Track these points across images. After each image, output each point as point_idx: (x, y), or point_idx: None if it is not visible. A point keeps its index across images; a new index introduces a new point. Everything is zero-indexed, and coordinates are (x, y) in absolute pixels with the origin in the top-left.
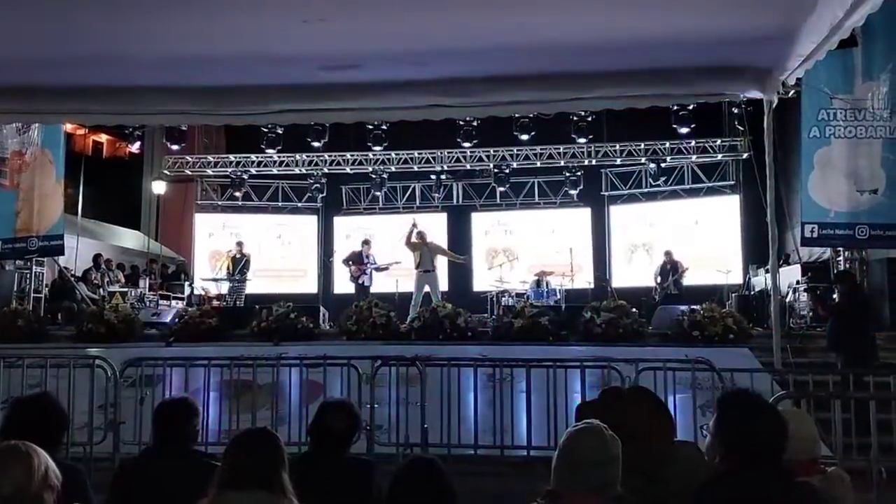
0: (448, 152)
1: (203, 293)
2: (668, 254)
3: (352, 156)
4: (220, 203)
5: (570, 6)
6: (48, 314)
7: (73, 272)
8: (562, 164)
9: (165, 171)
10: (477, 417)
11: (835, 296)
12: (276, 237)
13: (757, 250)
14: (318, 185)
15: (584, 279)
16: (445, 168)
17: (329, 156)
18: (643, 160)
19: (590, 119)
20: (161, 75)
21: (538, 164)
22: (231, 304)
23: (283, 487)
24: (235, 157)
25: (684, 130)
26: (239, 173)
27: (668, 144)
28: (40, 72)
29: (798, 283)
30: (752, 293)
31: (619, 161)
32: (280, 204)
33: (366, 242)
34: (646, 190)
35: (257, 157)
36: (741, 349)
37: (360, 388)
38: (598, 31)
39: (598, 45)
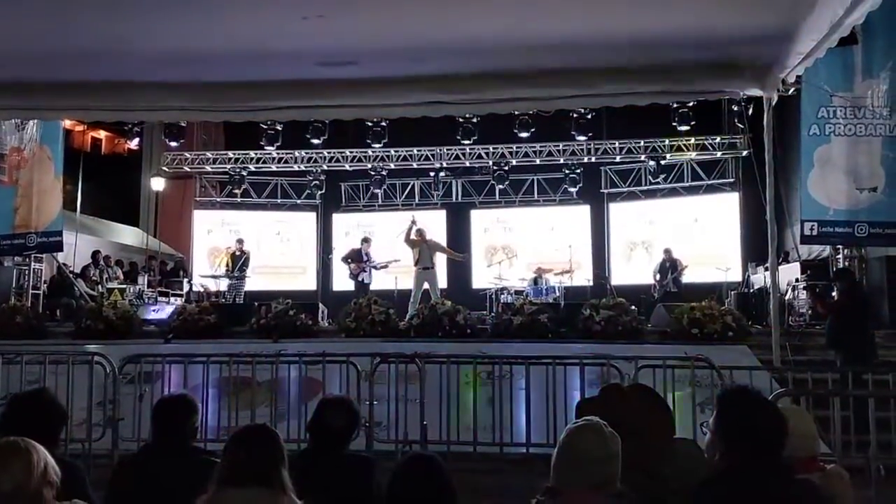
0: (447, 149)
1: (202, 290)
2: (667, 251)
3: (351, 153)
4: (218, 200)
5: (571, 3)
6: (47, 311)
7: (71, 269)
8: (561, 161)
9: (164, 168)
10: (476, 414)
11: (834, 293)
12: (275, 234)
13: (756, 248)
14: (317, 181)
15: (584, 277)
16: (445, 165)
17: (328, 153)
18: (643, 158)
19: (589, 116)
20: (160, 71)
21: (538, 162)
22: (230, 300)
23: (283, 484)
24: (234, 154)
25: (684, 128)
26: (238, 170)
27: (667, 142)
28: (39, 68)
29: (797, 280)
30: (752, 291)
31: (618, 158)
32: (279, 201)
33: (365, 240)
34: (645, 187)
35: (256, 154)
36: (740, 347)
37: (359, 385)
38: (599, 28)
39: (598, 42)
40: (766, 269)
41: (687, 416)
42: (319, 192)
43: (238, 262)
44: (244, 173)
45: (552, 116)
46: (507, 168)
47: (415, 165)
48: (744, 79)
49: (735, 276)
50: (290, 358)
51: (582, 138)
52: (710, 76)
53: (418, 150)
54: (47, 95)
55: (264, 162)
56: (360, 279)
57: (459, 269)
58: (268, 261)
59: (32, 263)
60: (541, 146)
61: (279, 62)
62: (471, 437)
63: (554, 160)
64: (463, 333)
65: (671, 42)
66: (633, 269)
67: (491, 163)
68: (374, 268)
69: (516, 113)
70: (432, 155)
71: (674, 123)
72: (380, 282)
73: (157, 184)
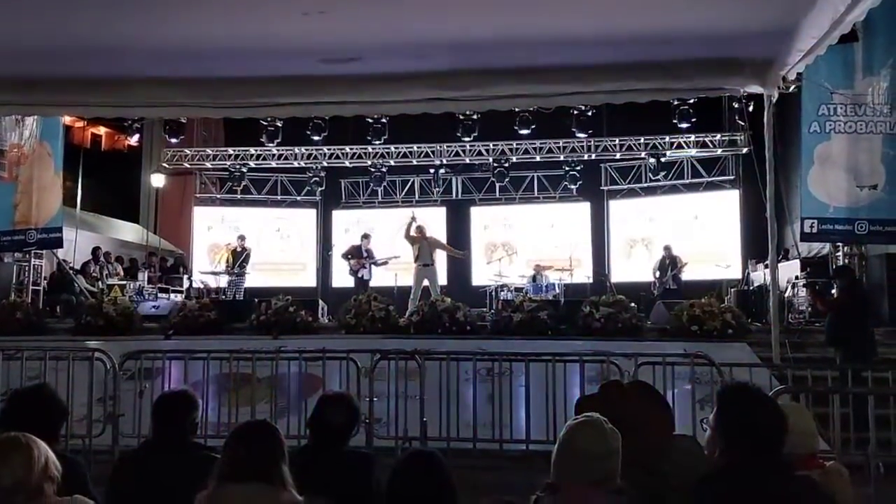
0: (447, 146)
1: (202, 286)
2: (667, 249)
3: (351, 149)
4: (218, 196)
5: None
6: (47, 307)
7: (71, 265)
8: (561, 158)
9: (164, 164)
10: (476, 411)
11: (833, 291)
12: (274, 231)
13: (756, 245)
14: (317, 178)
15: (584, 274)
16: (445, 162)
17: (328, 149)
18: (643, 155)
19: (590, 113)
20: (161, 67)
21: (538, 159)
22: (230, 297)
23: (283, 480)
24: (234, 151)
25: (684, 125)
26: (238, 166)
27: (667, 139)
28: (39, 64)
29: (797, 278)
30: (751, 288)
31: (618, 156)
32: (279, 197)
33: (365, 237)
34: (645, 185)
35: (256, 151)
36: (740, 344)
37: (359, 382)
38: (599, 24)
39: (598, 39)
40: (766, 267)
41: (686, 413)
42: (319, 189)
43: (239, 259)
44: (244, 170)
45: (552, 113)
46: (507, 165)
47: (415, 162)
48: (744, 76)
49: (735, 273)
50: (290, 354)
51: (582, 135)
52: (710, 73)
53: (418, 147)
54: (47, 91)
55: (264, 158)
56: (359, 275)
57: (459, 266)
58: (268, 257)
59: (32, 260)
60: (541, 143)
61: (280, 58)
62: (471, 433)
63: (554, 157)
64: (463, 330)
65: (672, 39)
66: (632, 266)
67: (491, 160)
68: (374, 264)
69: (517, 110)
70: (432, 152)
71: (674, 121)
72: (380, 278)
73: (158, 180)
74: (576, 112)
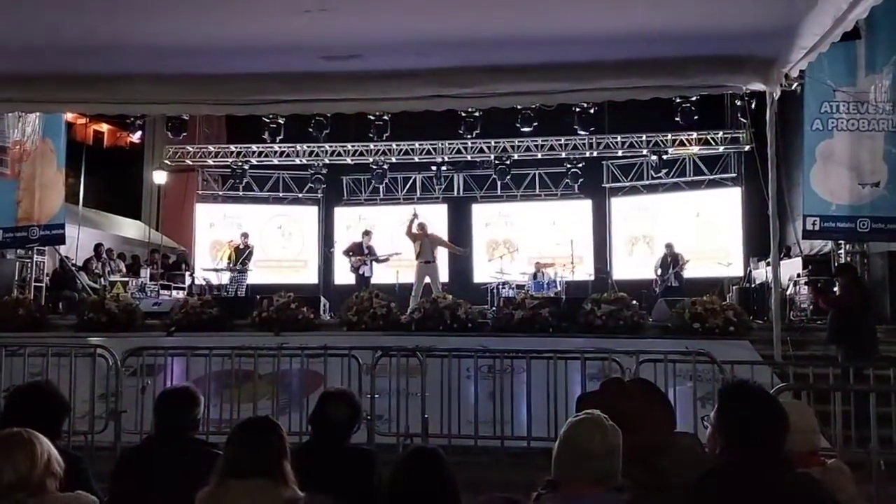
0: (449, 143)
1: (204, 283)
2: (668, 246)
3: (353, 146)
4: (220, 193)
5: None
6: (49, 303)
7: (74, 261)
8: (563, 155)
9: (166, 161)
10: (477, 408)
11: (835, 289)
12: (276, 228)
13: (758, 243)
14: (318, 175)
15: (585, 271)
16: (446, 159)
17: (330, 146)
18: (645, 152)
19: (592, 111)
20: (162, 64)
21: (539, 156)
22: (232, 294)
23: (285, 476)
24: (236, 148)
25: (686, 122)
26: (240, 163)
27: (669, 136)
28: (41, 60)
29: (799, 275)
30: (753, 286)
31: (620, 153)
32: (281, 194)
33: (366, 233)
34: (647, 182)
35: (258, 148)
36: (741, 342)
37: (360, 379)
38: (601, 21)
39: (600, 36)
40: (768, 264)
41: (688, 411)
42: (321, 186)
43: (242, 256)
44: (246, 167)
45: (554, 111)
46: (508, 162)
47: (416, 159)
48: (746, 73)
49: (737, 270)
50: (291, 351)
51: (584, 133)
52: (712, 70)
53: (420, 144)
54: (49, 88)
55: (266, 156)
56: (360, 272)
57: (461, 264)
58: (269, 254)
59: (35, 256)
60: (542, 140)
61: (282, 56)
62: (472, 430)
63: (556, 154)
64: (464, 327)
65: (674, 36)
66: (634, 263)
67: (493, 157)
68: (376, 261)
69: (518, 107)
70: (434, 149)
71: (676, 118)
72: (381, 275)
73: (160, 177)
74: (577, 109)
